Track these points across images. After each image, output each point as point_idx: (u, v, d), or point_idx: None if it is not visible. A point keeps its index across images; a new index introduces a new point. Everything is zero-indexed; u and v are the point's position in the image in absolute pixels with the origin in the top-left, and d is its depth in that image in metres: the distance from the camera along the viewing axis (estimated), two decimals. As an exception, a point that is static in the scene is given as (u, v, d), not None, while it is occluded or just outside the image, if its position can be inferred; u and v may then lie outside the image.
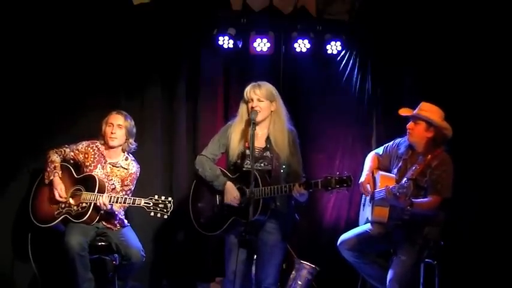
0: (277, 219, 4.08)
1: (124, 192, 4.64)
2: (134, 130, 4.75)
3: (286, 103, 4.27)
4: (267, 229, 4.09)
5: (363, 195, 4.61)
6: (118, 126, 4.65)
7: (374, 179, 4.46)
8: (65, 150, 4.68)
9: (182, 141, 5.47)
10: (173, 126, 5.47)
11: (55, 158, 4.62)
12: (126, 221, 4.70)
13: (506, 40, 5.17)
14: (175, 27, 5.43)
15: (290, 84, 5.52)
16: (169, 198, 4.34)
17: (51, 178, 4.56)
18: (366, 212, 4.55)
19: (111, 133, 4.64)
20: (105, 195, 4.44)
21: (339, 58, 5.63)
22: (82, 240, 4.37)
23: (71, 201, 4.54)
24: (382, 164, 4.57)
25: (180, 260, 5.37)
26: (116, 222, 4.61)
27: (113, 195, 4.50)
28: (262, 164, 4.11)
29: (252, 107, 4.09)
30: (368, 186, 4.37)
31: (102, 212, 4.47)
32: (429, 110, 4.34)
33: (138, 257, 4.53)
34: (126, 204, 4.48)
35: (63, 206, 4.53)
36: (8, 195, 5.02)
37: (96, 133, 4.75)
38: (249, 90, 4.14)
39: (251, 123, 4.01)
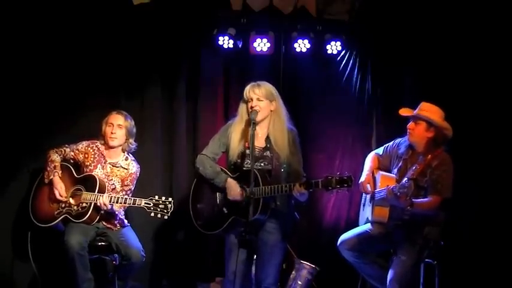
0: (277, 219, 4.08)
1: (124, 192, 4.64)
2: (134, 130, 4.75)
3: (286, 103, 4.27)
4: (267, 229, 4.09)
5: (363, 195, 4.61)
6: (118, 126, 4.65)
7: (374, 179, 4.46)
8: (65, 150, 4.68)
9: (182, 141, 5.47)
10: (173, 126, 5.47)
11: (55, 157, 4.62)
12: (126, 221, 4.70)
13: (506, 40, 5.17)
14: (175, 27, 5.43)
15: (290, 84, 5.52)
16: (170, 199, 4.34)
17: (50, 177, 4.56)
18: (366, 212, 4.55)
19: (111, 133, 4.64)
20: (105, 195, 4.44)
21: (339, 58, 5.63)
22: (82, 239, 4.37)
23: (71, 201, 4.54)
24: (383, 164, 4.57)
25: (180, 260, 5.38)
26: (116, 222, 4.61)
27: (113, 195, 4.49)
28: (262, 164, 4.11)
29: (252, 107, 4.09)
30: (368, 186, 4.37)
31: (102, 212, 4.47)
32: (429, 110, 4.34)
33: (138, 257, 4.53)
34: (127, 205, 4.48)
35: (63, 205, 4.54)
36: (8, 195, 5.02)
37: (96, 133, 4.75)
38: (249, 90, 4.14)
39: (251, 123, 4.02)
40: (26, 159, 5.02)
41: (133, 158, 4.78)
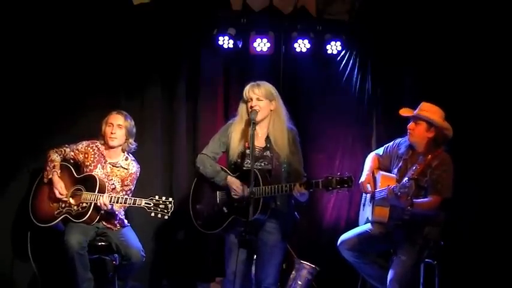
0: (277, 218, 4.08)
1: (124, 192, 4.64)
2: (134, 130, 4.75)
3: (286, 103, 4.27)
4: (267, 229, 4.09)
5: (363, 195, 4.61)
6: (118, 126, 4.65)
7: (374, 179, 4.46)
8: (65, 150, 4.68)
9: (182, 141, 5.47)
10: (173, 126, 5.47)
11: (55, 157, 4.62)
12: (126, 221, 4.69)
13: (506, 40, 5.17)
14: (175, 27, 5.43)
15: (290, 84, 5.52)
16: (170, 199, 4.35)
17: (50, 177, 4.56)
18: (366, 212, 4.54)
19: (111, 133, 4.64)
20: (105, 195, 4.44)
21: (339, 58, 5.63)
22: (82, 239, 4.37)
23: (71, 201, 4.54)
24: (383, 164, 4.57)
25: (180, 260, 5.37)
26: (116, 222, 4.61)
27: (113, 195, 4.49)
28: (262, 164, 4.11)
29: (251, 107, 4.09)
30: (368, 185, 4.37)
31: (102, 212, 4.47)
32: (430, 110, 4.34)
33: (138, 257, 4.52)
34: (127, 205, 4.48)
35: (63, 205, 4.54)
36: (8, 195, 5.02)
37: (96, 133, 4.75)
38: (248, 90, 4.14)
39: (251, 123, 4.02)
40: (26, 159, 5.02)
41: (133, 158, 4.78)
